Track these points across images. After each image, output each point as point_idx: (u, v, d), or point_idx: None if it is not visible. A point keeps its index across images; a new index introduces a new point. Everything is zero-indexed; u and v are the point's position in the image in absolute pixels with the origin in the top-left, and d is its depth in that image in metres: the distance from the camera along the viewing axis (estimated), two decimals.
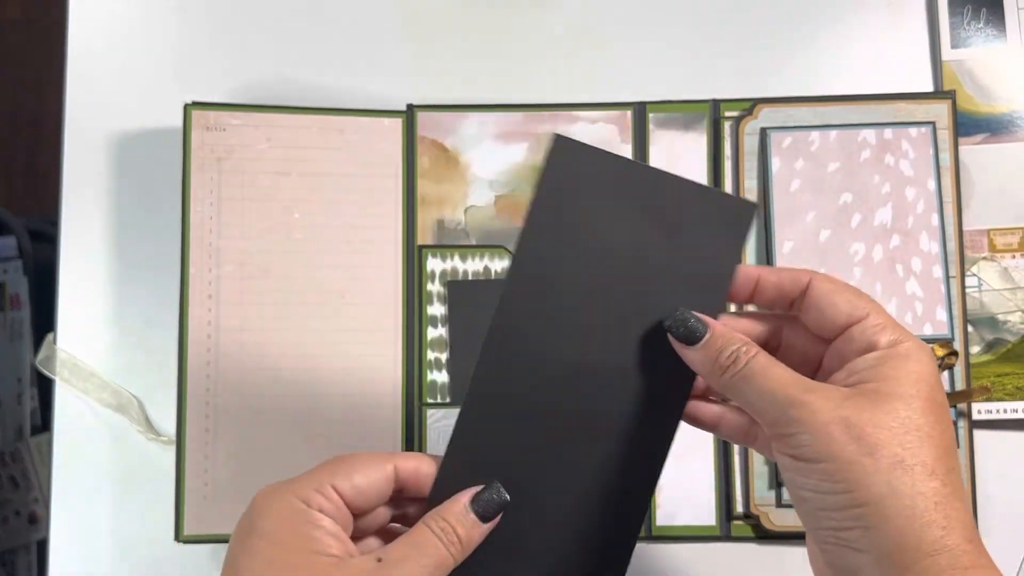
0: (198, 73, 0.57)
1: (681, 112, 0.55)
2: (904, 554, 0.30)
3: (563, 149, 0.37)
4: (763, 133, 0.54)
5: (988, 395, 0.53)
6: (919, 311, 0.53)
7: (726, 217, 0.37)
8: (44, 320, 1.00)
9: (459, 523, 0.35)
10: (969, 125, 0.55)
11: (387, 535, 0.38)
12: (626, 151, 0.55)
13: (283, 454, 0.52)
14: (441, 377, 0.53)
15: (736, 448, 0.53)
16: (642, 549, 0.52)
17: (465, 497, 0.36)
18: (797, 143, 0.54)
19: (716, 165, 0.55)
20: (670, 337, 0.36)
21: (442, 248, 0.54)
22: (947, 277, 0.53)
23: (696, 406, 0.38)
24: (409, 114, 0.55)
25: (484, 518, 0.36)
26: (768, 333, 0.38)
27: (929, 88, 0.57)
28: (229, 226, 0.53)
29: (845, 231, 0.54)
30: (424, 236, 0.54)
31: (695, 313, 0.36)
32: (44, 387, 1.01)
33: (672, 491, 0.52)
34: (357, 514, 0.36)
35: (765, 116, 0.55)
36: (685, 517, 0.52)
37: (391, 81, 0.57)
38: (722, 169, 0.55)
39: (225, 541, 0.51)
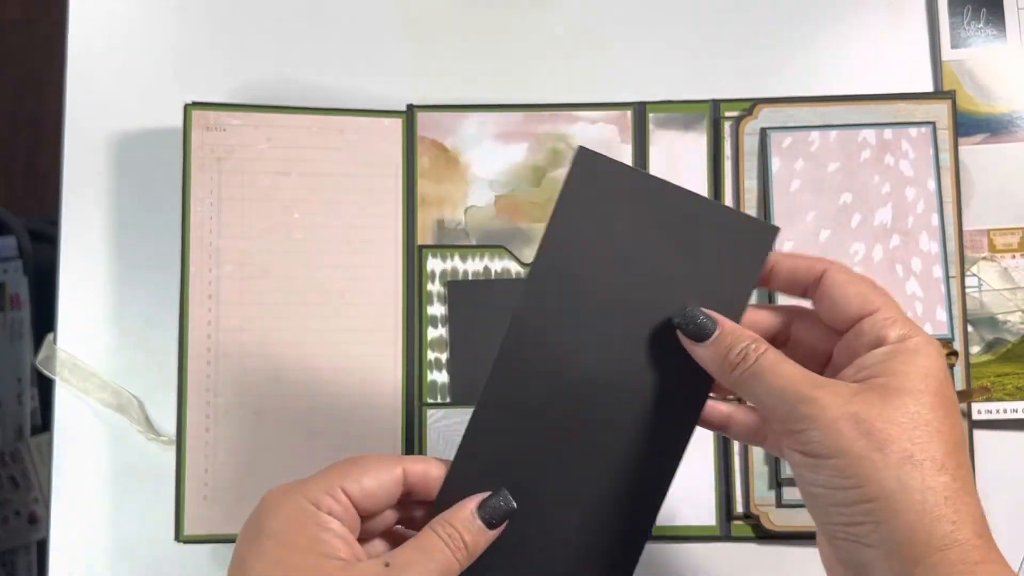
0: (198, 73, 0.57)
1: (681, 112, 0.55)
2: (914, 549, 0.30)
3: (587, 161, 0.37)
4: (763, 133, 0.54)
5: (988, 395, 0.53)
6: (919, 311, 0.53)
7: (747, 238, 0.37)
8: (44, 320, 1.00)
9: (465, 529, 0.35)
10: (969, 125, 0.55)
11: (393, 537, 0.38)
12: (626, 151, 0.55)
13: (283, 454, 0.52)
14: (441, 377, 0.53)
15: (736, 448, 0.53)
16: None
17: (472, 503, 0.36)
18: (797, 143, 0.54)
19: (716, 165, 0.55)
20: (679, 334, 0.36)
21: (442, 248, 0.54)
22: (947, 277, 0.53)
23: (705, 407, 0.38)
24: (409, 114, 0.55)
25: (490, 525, 0.36)
26: (777, 326, 0.38)
27: (929, 88, 0.57)
28: (229, 226, 0.53)
29: (845, 231, 0.54)
30: (424, 236, 0.54)
31: (704, 310, 0.36)
32: (44, 387, 1.01)
33: (672, 491, 0.52)
34: (365, 516, 0.36)
35: (765, 116, 0.55)
36: (685, 517, 0.52)
37: (391, 81, 0.57)
38: (722, 169, 0.55)
39: (225, 541, 0.51)
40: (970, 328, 0.53)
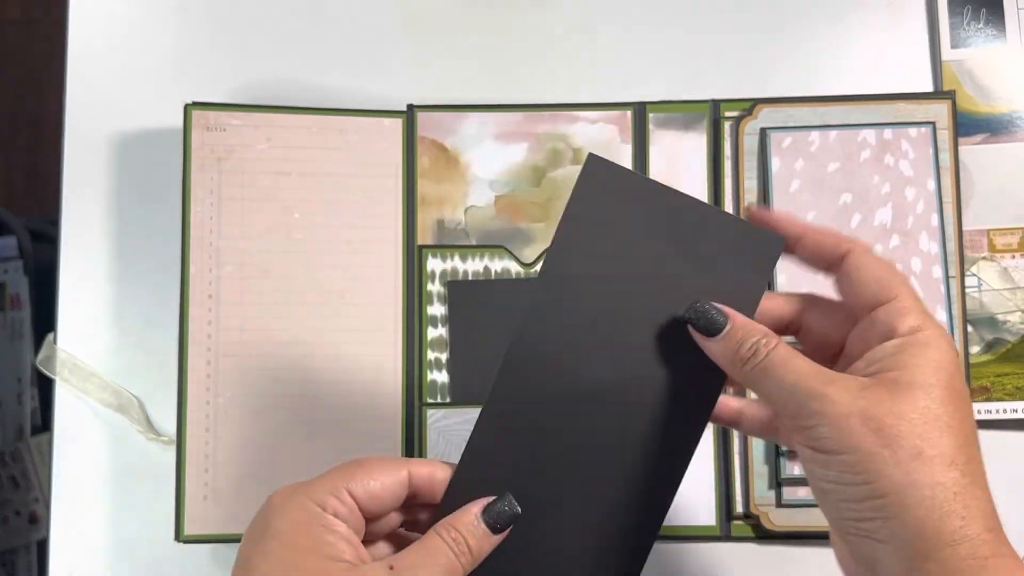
0: (198, 73, 0.57)
1: (681, 112, 0.55)
2: (924, 544, 0.30)
3: (596, 168, 0.37)
4: (763, 133, 0.54)
5: (988, 395, 0.53)
6: None
7: (754, 249, 0.37)
8: (44, 320, 1.00)
9: (470, 533, 0.35)
10: (969, 125, 0.55)
11: (397, 540, 0.38)
12: (626, 151, 0.55)
13: (283, 454, 0.52)
14: (441, 377, 0.53)
15: (736, 448, 0.53)
16: None
17: (476, 507, 0.36)
18: (797, 143, 0.54)
19: (716, 165, 0.55)
20: (691, 329, 0.36)
21: (442, 248, 0.54)
22: (947, 277, 0.53)
23: (718, 404, 0.38)
24: (409, 114, 0.55)
25: (495, 529, 0.36)
26: (789, 314, 0.38)
27: (929, 88, 0.57)
28: (229, 226, 0.53)
29: (845, 231, 0.53)
30: (424, 236, 0.54)
31: (715, 304, 0.36)
32: (44, 387, 1.01)
33: None
34: (370, 518, 0.36)
35: (765, 116, 0.55)
36: (685, 517, 0.52)
37: (391, 81, 0.57)
38: (722, 169, 0.55)
39: (225, 541, 0.51)
40: (970, 328, 0.53)
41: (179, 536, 0.51)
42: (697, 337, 0.36)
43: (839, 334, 0.36)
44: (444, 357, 0.53)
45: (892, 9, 0.58)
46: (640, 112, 0.55)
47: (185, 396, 0.52)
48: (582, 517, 0.37)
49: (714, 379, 0.37)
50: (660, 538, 0.37)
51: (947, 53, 0.56)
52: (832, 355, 0.37)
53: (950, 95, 0.55)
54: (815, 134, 0.54)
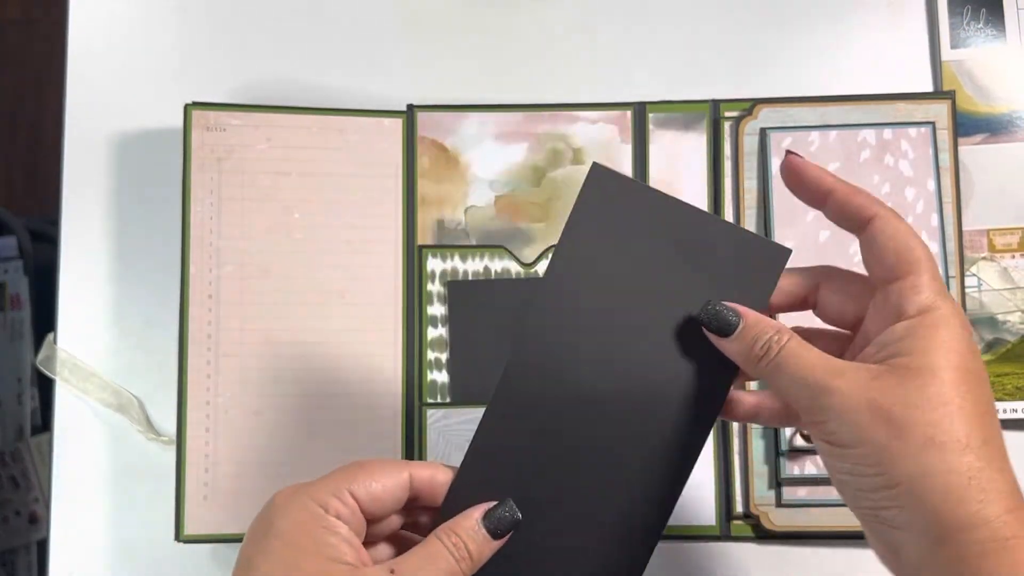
0: (198, 73, 0.57)
1: (681, 112, 0.55)
2: (942, 529, 0.30)
3: (599, 177, 0.37)
4: (763, 133, 0.54)
5: None
6: None
7: (758, 259, 0.37)
8: (44, 320, 1.00)
9: (470, 539, 0.35)
10: (969, 125, 0.55)
11: (398, 542, 0.38)
12: (626, 151, 0.55)
13: (283, 454, 0.52)
14: (441, 377, 0.53)
15: (736, 448, 0.53)
16: None
17: (477, 512, 0.36)
18: (797, 143, 0.54)
19: (716, 165, 0.55)
20: (705, 331, 0.36)
21: (442, 248, 0.54)
22: (947, 277, 0.53)
23: (733, 401, 0.38)
24: (409, 114, 0.55)
25: (495, 535, 0.36)
26: (805, 290, 0.38)
27: (929, 88, 0.57)
28: (229, 226, 0.53)
29: (845, 231, 0.53)
30: (424, 236, 0.54)
31: (726, 303, 0.36)
32: (44, 387, 1.01)
33: None
34: (371, 520, 0.36)
35: (765, 116, 0.55)
36: (685, 517, 0.52)
37: (391, 81, 0.57)
38: (722, 169, 0.55)
39: (225, 541, 0.51)
40: None
41: (179, 536, 0.51)
42: (713, 338, 0.36)
43: (856, 307, 0.36)
44: (444, 357, 0.53)
45: (892, 9, 0.58)
46: (640, 112, 0.55)
47: (185, 396, 0.52)
48: (584, 520, 0.37)
49: (721, 379, 0.37)
50: (660, 538, 0.37)
51: (947, 53, 0.56)
52: (851, 327, 0.37)
53: (950, 95, 0.55)
54: (815, 134, 0.54)
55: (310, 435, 0.52)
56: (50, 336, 0.55)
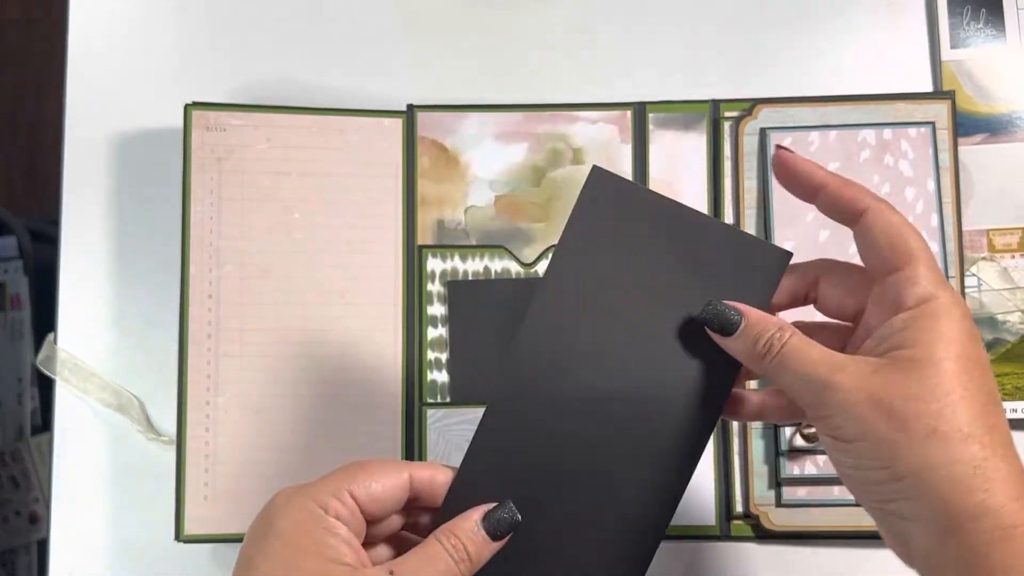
0: (198, 73, 0.57)
1: (681, 112, 0.55)
2: (948, 519, 0.30)
3: (599, 180, 0.37)
4: (763, 133, 0.54)
5: None
6: None
7: (758, 262, 0.37)
8: (44, 320, 1.00)
9: (469, 540, 0.35)
10: (968, 125, 0.55)
11: (398, 543, 0.38)
12: (626, 151, 0.55)
13: (283, 454, 0.52)
14: (441, 377, 0.53)
15: (736, 448, 0.53)
16: None
17: (477, 514, 0.36)
18: (797, 143, 0.54)
19: (716, 165, 0.55)
20: (708, 330, 0.36)
21: (442, 248, 0.54)
22: (947, 277, 0.53)
23: (739, 400, 0.38)
24: (409, 114, 0.55)
25: (494, 537, 0.36)
26: (804, 286, 0.38)
27: (929, 88, 0.57)
28: (229, 226, 0.53)
29: (845, 231, 0.53)
30: (424, 236, 0.54)
31: (727, 303, 0.36)
32: (44, 387, 1.01)
33: None
34: (371, 521, 0.36)
35: (765, 116, 0.55)
36: (685, 517, 0.52)
37: (391, 81, 0.57)
38: (722, 169, 0.55)
39: (225, 541, 0.51)
40: None
41: (179, 536, 0.51)
42: (716, 337, 0.36)
43: (856, 300, 0.36)
44: (444, 357, 0.53)
45: (892, 9, 0.58)
46: (640, 112, 0.55)
47: (185, 396, 0.52)
48: (584, 522, 0.37)
49: (723, 379, 0.37)
50: (663, 539, 0.37)
51: (947, 53, 0.56)
52: (852, 319, 0.37)
53: (950, 95, 0.55)
54: (815, 134, 0.54)
55: (310, 435, 0.52)
56: (50, 336, 0.55)
